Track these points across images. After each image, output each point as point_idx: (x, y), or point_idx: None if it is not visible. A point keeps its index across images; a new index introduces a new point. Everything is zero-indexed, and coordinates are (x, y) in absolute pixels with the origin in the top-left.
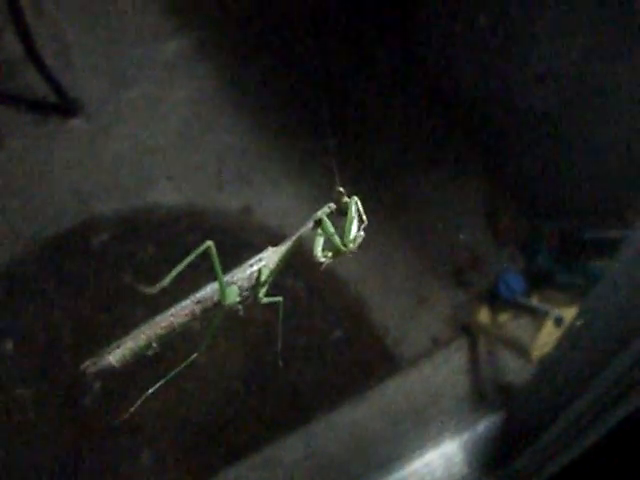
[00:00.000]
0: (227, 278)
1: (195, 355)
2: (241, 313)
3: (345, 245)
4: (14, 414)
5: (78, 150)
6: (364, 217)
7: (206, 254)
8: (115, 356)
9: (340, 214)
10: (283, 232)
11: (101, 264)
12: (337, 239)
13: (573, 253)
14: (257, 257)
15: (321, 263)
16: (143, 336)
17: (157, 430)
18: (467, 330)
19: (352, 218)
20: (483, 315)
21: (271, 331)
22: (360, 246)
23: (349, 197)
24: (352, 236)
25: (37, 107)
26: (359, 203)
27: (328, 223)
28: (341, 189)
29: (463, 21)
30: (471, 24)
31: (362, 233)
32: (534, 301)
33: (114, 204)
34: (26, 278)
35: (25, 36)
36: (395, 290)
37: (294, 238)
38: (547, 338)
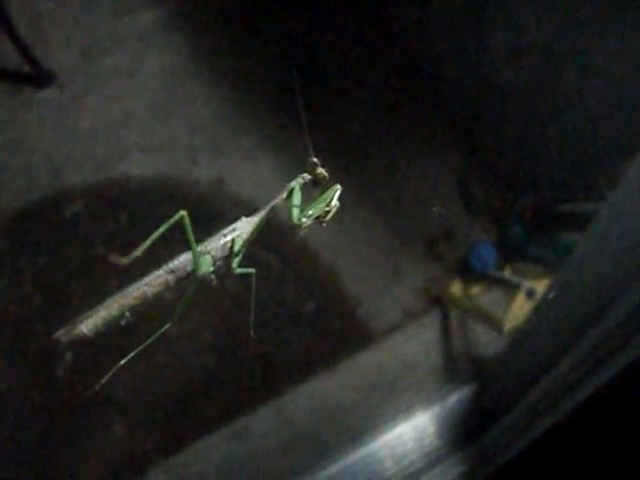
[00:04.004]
0: (201, 248)
1: (168, 326)
2: (214, 283)
3: (299, 220)
4: None
5: (50, 121)
6: (333, 203)
7: (180, 224)
8: (88, 325)
9: (313, 185)
10: (257, 203)
11: (74, 235)
12: (295, 213)
13: (545, 226)
14: (231, 227)
15: (296, 232)
16: (116, 305)
17: (129, 401)
18: (439, 302)
19: (322, 200)
20: (455, 287)
21: (243, 302)
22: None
23: (330, 178)
24: (310, 214)
25: (10, 77)
26: (338, 193)
27: (297, 195)
28: (315, 160)
29: None
30: None
31: (337, 203)
32: (506, 274)
33: (86, 175)
34: None
35: None
36: (368, 262)
37: (267, 208)
38: (519, 311)
